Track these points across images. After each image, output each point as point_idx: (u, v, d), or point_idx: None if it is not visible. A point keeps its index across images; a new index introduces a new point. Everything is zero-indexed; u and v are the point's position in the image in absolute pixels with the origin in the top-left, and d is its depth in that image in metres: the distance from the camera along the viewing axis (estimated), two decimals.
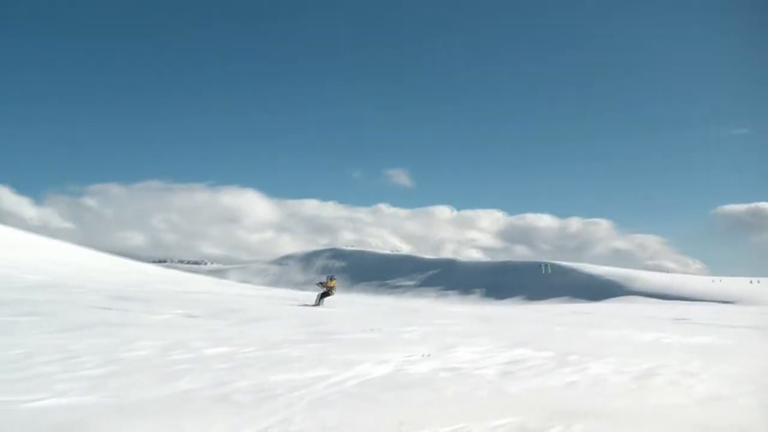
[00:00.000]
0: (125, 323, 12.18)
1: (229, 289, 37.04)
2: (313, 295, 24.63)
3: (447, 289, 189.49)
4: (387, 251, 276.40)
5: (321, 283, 21.38)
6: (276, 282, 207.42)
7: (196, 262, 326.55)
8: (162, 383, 7.01)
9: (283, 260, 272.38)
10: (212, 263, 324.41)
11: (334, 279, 20.52)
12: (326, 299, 21.27)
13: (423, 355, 10.35)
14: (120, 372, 7.39)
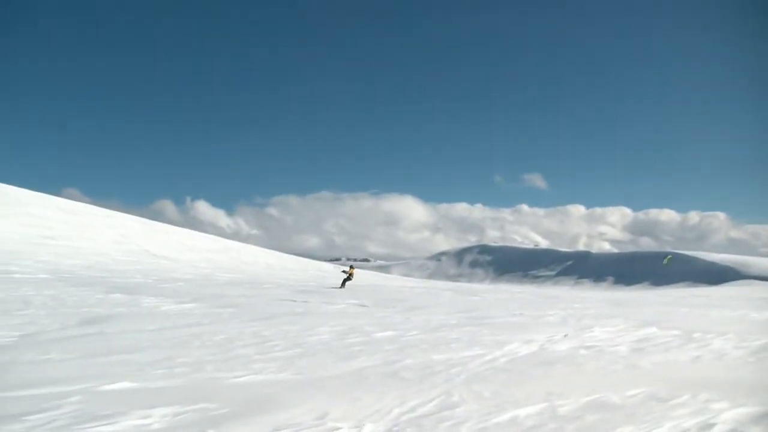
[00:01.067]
0: (307, 312, 12.78)
1: (393, 282, 37.79)
2: (458, 284, 24.63)
3: (581, 277, 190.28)
4: (528, 246, 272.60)
5: (344, 271, 22.60)
6: (433, 275, 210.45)
7: (364, 260, 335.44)
8: (340, 362, 7.30)
9: (438, 256, 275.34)
10: (377, 260, 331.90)
11: (354, 268, 21.93)
12: (348, 283, 22.45)
13: (563, 335, 10.52)
14: (305, 353, 7.76)
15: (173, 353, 7.25)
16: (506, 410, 5.39)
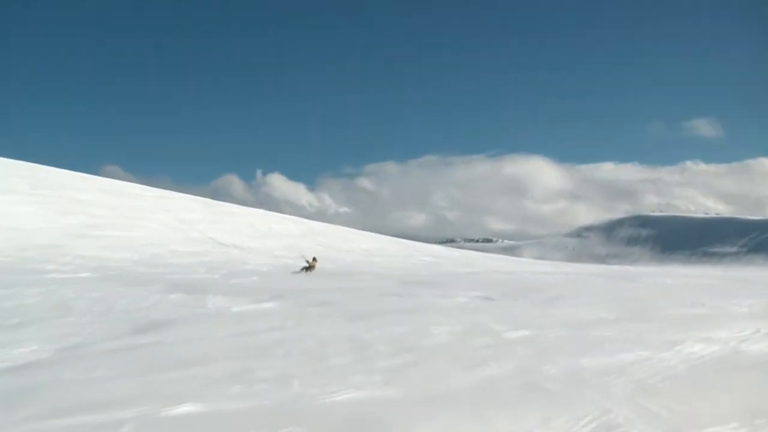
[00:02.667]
0: (418, 309, 12.78)
1: (524, 266, 37.44)
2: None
3: None
4: (701, 214, 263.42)
5: (307, 261, 23.64)
6: (576, 256, 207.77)
7: (486, 240, 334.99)
8: (463, 372, 7.23)
9: (581, 232, 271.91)
10: (503, 240, 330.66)
11: (316, 261, 23.13)
12: (309, 271, 23.25)
13: (757, 331, 10.15)
14: (417, 361, 7.73)
15: (250, 366, 7.37)
16: None
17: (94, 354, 8.08)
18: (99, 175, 61.17)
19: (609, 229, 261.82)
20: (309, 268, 22.32)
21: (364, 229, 62.36)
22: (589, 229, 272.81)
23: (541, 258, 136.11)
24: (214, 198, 60.89)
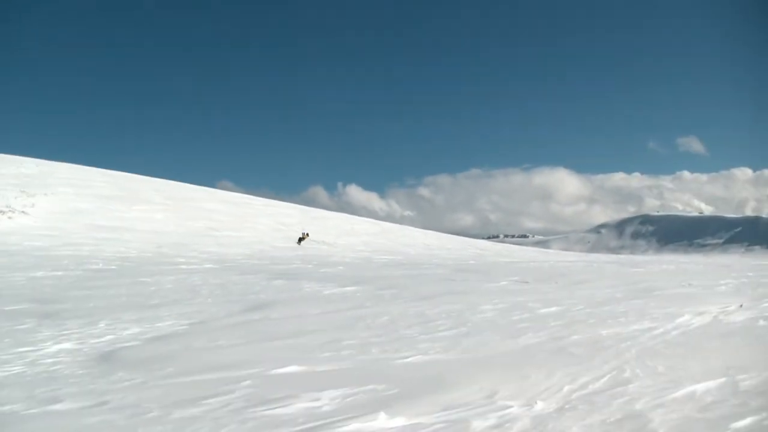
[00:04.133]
0: (468, 291, 12.78)
1: (553, 257, 36.98)
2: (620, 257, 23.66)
3: (752, 244, 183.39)
4: (692, 213, 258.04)
5: (302, 234, 25.33)
6: (593, 248, 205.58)
7: (522, 236, 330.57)
8: (506, 340, 7.21)
9: (597, 229, 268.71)
10: (535, 236, 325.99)
11: (308, 234, 24.51)
12: (302, 243, 25.20)
13: (739, 306, 9.98)
14: (470, 332, 7.75)
15: (338, 336, 7.46)
16: (683, 385, 5.11)
17: (217, 327, 8.26)
18: (216, 188, 62.64)
19: (620, 226, 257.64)
20: (302, 239, 22.55)
21: (424, 229, 62.30)
22: (603, 226, 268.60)
23: (566, 250, 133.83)
24: (305, 205, 61.66)
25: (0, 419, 4.44)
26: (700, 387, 5.06)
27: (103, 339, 7.44)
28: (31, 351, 6.70)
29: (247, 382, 5.31)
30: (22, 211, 30.81)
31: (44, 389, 5.18)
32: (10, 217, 28.84)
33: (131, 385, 5.30)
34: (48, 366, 6.05)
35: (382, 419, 4.30)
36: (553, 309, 9.76)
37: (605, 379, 5.36)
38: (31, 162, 49.00)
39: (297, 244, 22.19)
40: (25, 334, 7.70)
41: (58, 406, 4.71)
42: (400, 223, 67.02)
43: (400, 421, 4.31)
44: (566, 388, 5.07)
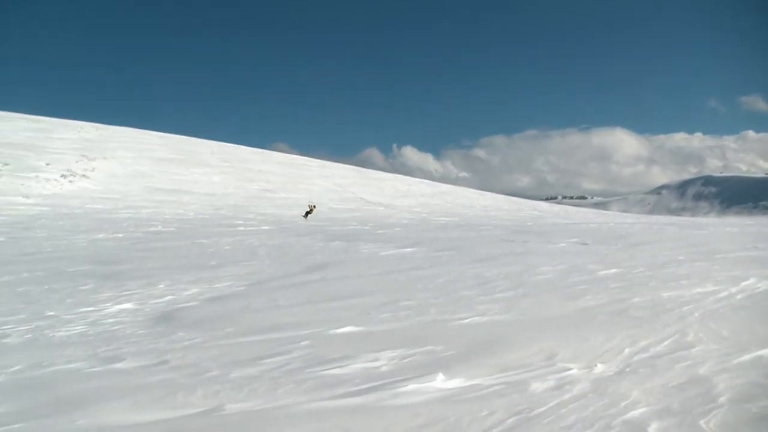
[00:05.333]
0: (527, 252, 12.62)
1: (612, 218, 36.16)
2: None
3: None
4: (758, 174, 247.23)
5: (309, 207, 24.35)
6: (653, 210, 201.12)
7: (581, 197, 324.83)
8: (565, 302, 7.09)
9: (658, 190, 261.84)
10: (594, 197, 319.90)
11: (315, 207, 23.67)
12: (309, 216, 24.01)
13: None
14: (528, 294, 7.65)
15: (396, 297, 7.47)
16: (748, 350, 4.87)
17: (275, 288, 8.35)
18: (271, 150, 63.12)
19: (681, 188, 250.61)
20: (309, 212, 22.41)
21: (481, 190, 61.72)
22: (664, 187, 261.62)
23: (626, 211, 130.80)
24: (360, 167, 61.68)
25: (65, 377, 4.62)
26: (766, 352, 4.86)
27: (162, 299, 7.61)
28: (93, 311, 6.91)
29: (305, 342, 5.36)
30: (83, 175, 31.72)
31: (106, 348, 5.35)
32: (71, 181, 29.75)
33: (190, 345, 5.42)
34: (109, 326, 6.24)
35: (439, 380, 4.30)
36: (613, 271, 9.52)
37: (667, 342, 5.20)
38: (91, 126, 50.13)
39: (304, 218, 22.20)
40: (87, 294, 7.93)
41: (119, 365, 4.86)
42: (456, 185, 66.42)
43: (458, 382, 4.30)
44: (626, 351, 4.95)
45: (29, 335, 5.89)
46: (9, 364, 4.93)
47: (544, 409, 3.78)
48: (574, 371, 4.46)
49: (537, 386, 4.18)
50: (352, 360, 4.81)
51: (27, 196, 24.93)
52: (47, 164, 32.08)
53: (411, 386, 4.20)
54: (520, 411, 3.75)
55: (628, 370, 4.51)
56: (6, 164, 30.40)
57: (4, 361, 5.01)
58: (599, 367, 4.53)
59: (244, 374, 4.54)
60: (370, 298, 7.43)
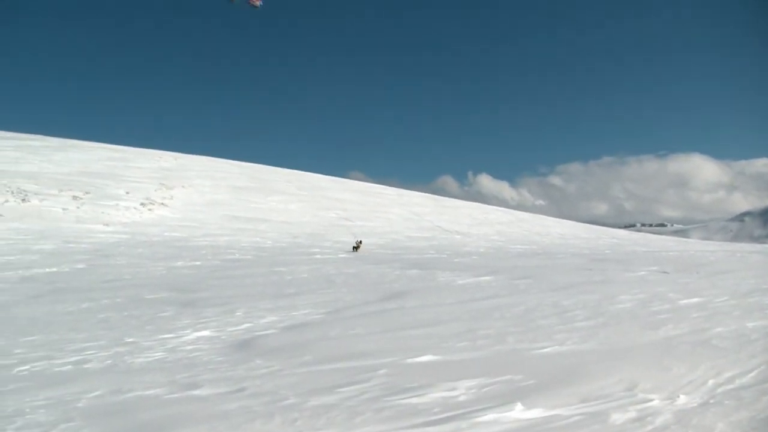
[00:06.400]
0: (606, 281, 12.32)
1: (692, 246, 34.65)
2: None
3: None
4: None
5: (356, 242, 22.85)
6: (736, 238, 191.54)
7: (660, 224, 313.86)
8: (646, 331, 6.93)
9: (740, 217, 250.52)
10: (673, 225, 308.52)
11: (361, 242, 22.42)
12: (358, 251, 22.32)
13: None
14: (607, 323, 7.51)
15: (474, 326, 7.44)
16: None
17: (352, 316, 8.29)
18: (346, 178, 63.69)
19: (765, 215, 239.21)
20: (356, 248, 22.07)
21: (557, 218, 60.53)
22: (747, 214, 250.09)
23: (707, 239, 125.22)
24: (435, 194, 61.41)
25: (144, 403, 4.72)
26: None
27: (240, 327, 7.59)
28: (172, 338, 6.96)
29: (383, 371, 5.34)
30: (162, 203, 32.65)
31: (184, 375, 5.38)
32: (150, 209, 30.68)
33: (268, 373, 5.44)
34: (188, 352, 6.28)
35: (518, 410, 4.30)
36: (695, 300, 9.20)
37: (753, 373, 5.02)
38: (170, 155, 51.67)
39: (353, 250, 22.33)
40: (165, 321, 7.96)
41: (197, 392, 4.90)
42: (532, 212, 65.38)
43: (537, 412, 4.29)
44: (711, 382, 4.81)
45: (109, 361, 5.92)
46: (89, 389, 4.95)
47: None
48: (655, 402, 4.38)
49: (617, 417, 4.13)
50: (430, 389, 4.83)
51: (107, 224, 25.85)
52: (127, 192, 33.25)
53: (489, 416, 4.22)
54: None
55: (712, 401, 4.38)
56: (87, 193, 31.61)
57: (84, 386, 5.05)
58: (682, 399, 4.43)
59: (321, 402, 4.58)
60: (447, 327, 7.40)
